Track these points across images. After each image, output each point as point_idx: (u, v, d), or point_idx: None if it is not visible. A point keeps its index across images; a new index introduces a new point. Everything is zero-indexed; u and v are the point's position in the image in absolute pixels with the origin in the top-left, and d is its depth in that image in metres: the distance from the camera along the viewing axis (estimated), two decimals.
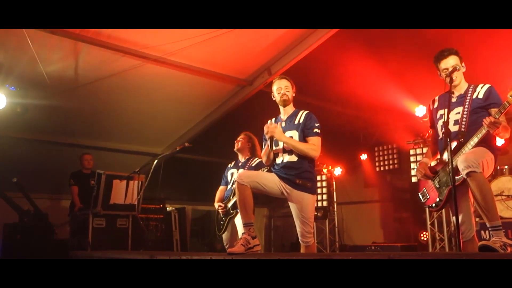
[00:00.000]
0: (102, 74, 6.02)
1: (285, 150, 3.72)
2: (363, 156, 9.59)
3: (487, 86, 3.31)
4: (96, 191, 5.91)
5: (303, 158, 3.66)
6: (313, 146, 3.66)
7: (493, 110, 3.17)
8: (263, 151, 3.89)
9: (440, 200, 3.37)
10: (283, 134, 3.68)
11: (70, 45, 5.40)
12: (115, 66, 5.90)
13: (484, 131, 3.09)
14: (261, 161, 4.78)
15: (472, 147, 3.13)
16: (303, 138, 3.69)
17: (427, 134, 7.35)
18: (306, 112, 3.78)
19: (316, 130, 3.68)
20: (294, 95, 3.85)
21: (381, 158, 9.43)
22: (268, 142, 3.74)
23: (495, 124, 2.98)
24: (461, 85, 3.37)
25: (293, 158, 3.68)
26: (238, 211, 4.56)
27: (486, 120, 3.01)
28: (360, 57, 6.16)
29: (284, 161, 3.71)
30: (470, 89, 3.36)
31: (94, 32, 5.24)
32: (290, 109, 3.84)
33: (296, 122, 3.74)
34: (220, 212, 4.89)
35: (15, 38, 5.07)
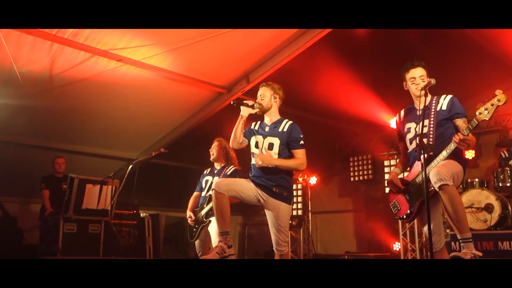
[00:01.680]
0: (78, 76, 5.92)
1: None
2: (338, 166, 9.68)
3: (449, 97, 3.37)
4: (68, 195, 5.80)
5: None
6: (300, 160, 3.68)
7: (461, 121, 3.25)
8: (234, 128, 3.82)
9: (411, 211, 3.42)
10: (274, 160, 3.67)
11: (46, 46, 5.30)
12: (91, 68, 5.81)
13: (453, 147, 3.15)
14: (236, 169, 4.78)
15: (442, 161, 3.19)
16: (288, 149, 3.71)
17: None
18: (290, 122, 3.78)
19: (301, 142, 3.70)
20: (275, 100, 3.83)
21: (356, 168, 9.53)
22: (252, 144, 3.79)
23: (465, 141, 3.05)
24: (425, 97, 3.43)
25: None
26: (212, 219, 4.56)
27: (456, 138, 3.07)
28: (337, 67, 6.24)
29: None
30: (434, 101, 3.41)
31: (71, 34, 5.15)
32: (275, 115, 3.85)
33: (280, 130, 3.74)
34: (189, 222, 4.85)
35: None
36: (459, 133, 3.09)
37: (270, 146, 3.72)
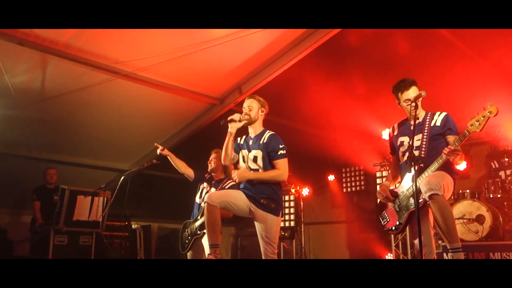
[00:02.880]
0: (70, 87, 5.90)
1: (251, 169, 3.75)
2: (331, 177, 9.70)
3: (444, 114, 3.46)
4: (59, 207, 5.76)
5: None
6: (279, 171, 3.68)
7: (452, 138, 3.30)
8: (224, 145, 3.85)
9: (400, 223, 3.45)
10: (250, 174, 3.70)
11: (38, 57, 5.29)
12: (84, 80, 5.79)
13: (444, 158, 3.19)
14: (234, 184, 4.77)
15: (432, 172, 3.23)
16: (268, 160, 3.71)
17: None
18: (271, 133, 3.81)
19: (281, 152, 3.69)
20: (262, 114, 3.86)
21: (348, 180, 9.56)
22: (239, 157, 3.82)
23: (455, 152, 3.10)
24: (419, 112, 3.48)
25: None
26: (205, 231, 4.54)
27: (445, 150, 3.13)
28: (329, 78, 6.28)
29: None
30: (428, 117, 3.50)
31: (64, 45, 5.15)
32: (259, 128, 3.87)
33: (261, 142, 3.77)
34: (181, 234, 4.85)
35: None
36: (449, 146, 3.14)
37: (255, 159, 3.75)
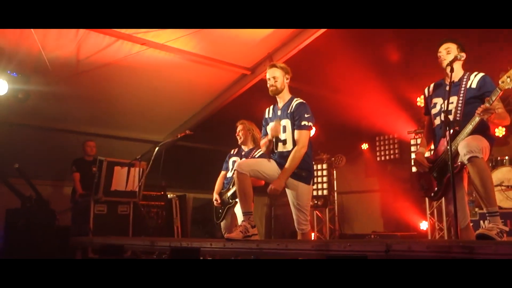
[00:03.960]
0: (104, 61, 6.01)
1: (280, 140, 3.73)
2: (364, 146, 9.60)
3: (480, 75, 3.31)
4: (98, 177, 5.95)
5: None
6: (297, 147, 3.61)
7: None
8: (263, 142, 3.88)
9: (438, 189, 3.39)
10: (281, 182, 3.60)
11: (71, 32, 5.39)
12: (116, 53, 5.89)
13: (477, 119, 3.09)
14: (263, 153, 4.79)
15: (468, 135, 3.14)
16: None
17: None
18: (298, 101, 3.72)
19: (304, 122, 3.61)
20: (287, 81, 3.78)
21: (382, 148, 9.43)
22: (273, 140, 3.77)
23: (488, 111, 2.99)
24: (456, 73, 3.36)
25: (289, 147, 3.70)
26: (237, 200, 4.61)
27: (478, 110, 3.02)
28: (363, 45, 6.14)
29: (280, 150, 3.73)
30: (465, 78, 3.35)
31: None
32: (286, 95, 3.80)
33: (289, 111, 3.71)
34: (215, 205, 4.91)
35: None
36: (483, 105, 3.03)
37: (284, 129, 3.71)
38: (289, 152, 3.66)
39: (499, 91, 2.99)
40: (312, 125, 3.67)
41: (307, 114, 3.63)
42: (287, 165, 3.61)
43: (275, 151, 3.77)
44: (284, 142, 3.71)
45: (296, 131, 3.63)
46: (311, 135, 3.78)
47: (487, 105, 2.99)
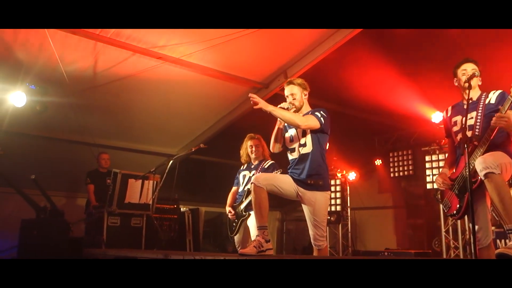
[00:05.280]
0: (120, 74, 6.10)
1: (300, 144, 3.73)
2: (378, 162, 9.54)
3: (499, 91, 3.34)
4: (112, 190, 5.97)
5: (315, 151, 3.66)
6: (303, 118, 3.63)
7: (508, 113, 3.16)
8: (274, 134, 3.84)
9: (460, 206, 3.35)
10: (268, 104, 3.55)
11: (89, 45, 5.48)
12: (133, 66, 5.97)
13: (492, 134, 3.09)
14: (273, 163, 4.80)
15: (486, 148, 3.12)
16: (317, 130, 3.67)
17: (443, 140, 7.30)
18: (319, 108, 3.78)
19: (317, 113, 3.66)
20: (305, 97, 3.81)
21: (395, 164, 9.36)
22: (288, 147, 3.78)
23: (502, 119, 2.98)
24: (474, 92, 3.37)
25: (308, 149, 3.68)
26: (251, 213, 4.60)
27: (493, 119, 3.03)
28: (376, 61, 6.14)
29: (302, 153, 3.71)
30: (483, 96, 3.39)
31: (114, 33, 5.31)
32: (306, 109, 3.82)
33: None
34: (230, 217, 4.91)
35: (36, 37, 5.18)
36: (497, 113, 3.03)
37: (303, 133, 3.71)
38: (308, 154, 3.66)
39: (511, 99, 2.99)
40: (323, 122, 3.65)
41: (323, 112, 3.68)
42: (279, 109, 3.58)
43: (291, 158, 3.76)
44: (304, 145, 3.70)
45: (310, 114, 3.67)
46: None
47: (501, 113, 2.99)
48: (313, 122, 3.62)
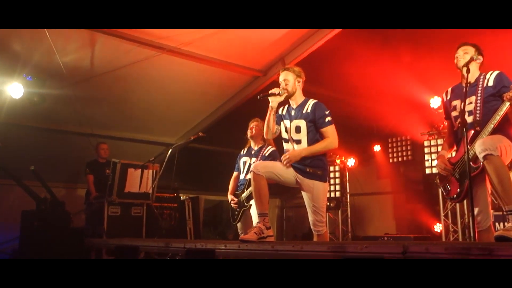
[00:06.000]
0: (118, 64, 6.07)
1: (293, 139, 3.75)
2: (376, 148, 9.55)
3: (496, 72, 3.31)
4: (111, 179, 5.99)
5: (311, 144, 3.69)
6: (329, 139, 3.65)
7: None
8: (266, 119, 3.83)
9: (460, 190, 3.37)
10: (302, 151, 3.65)
11: (86, 36, 5.46)
12: (130, 56, 5.94)
13: (498, 118, 3.09)
14: (274, 150, 4.79)
15: (489, 134, 3.12)
16: (315, 129, 3.69)
17: (442, 125, 7.31)
18: (314, 102, 3.76)
19: (328, 118, 3.65)
20: (299, 84, 3.81)
21: (394, 150, 9.38)
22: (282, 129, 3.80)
23: None
24: (473, 74, 3.34)
25: (303, 146, 3.70)
26: (252, 203, 4.61)
27: (508, 95, 3.00)
28: (374, 46, 6.12)
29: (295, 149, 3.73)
30: (481, 78, 3.35)
31: None
32: (299, 98, 3.82)
33: (304, 111, 3.73)
34: (232, 205, 4.93)
35: (33, 29, 5.15)
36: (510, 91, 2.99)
37: (298, 129, 3.72)
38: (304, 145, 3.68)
39: None
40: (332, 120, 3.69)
41: (326, 111, 3.68)
42: (313, 146, 3.64)
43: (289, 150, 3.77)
44: (299, 142, 3.72)
45: (323, 130, 3.66)
46: None
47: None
48: (336, 134, 3.68)
